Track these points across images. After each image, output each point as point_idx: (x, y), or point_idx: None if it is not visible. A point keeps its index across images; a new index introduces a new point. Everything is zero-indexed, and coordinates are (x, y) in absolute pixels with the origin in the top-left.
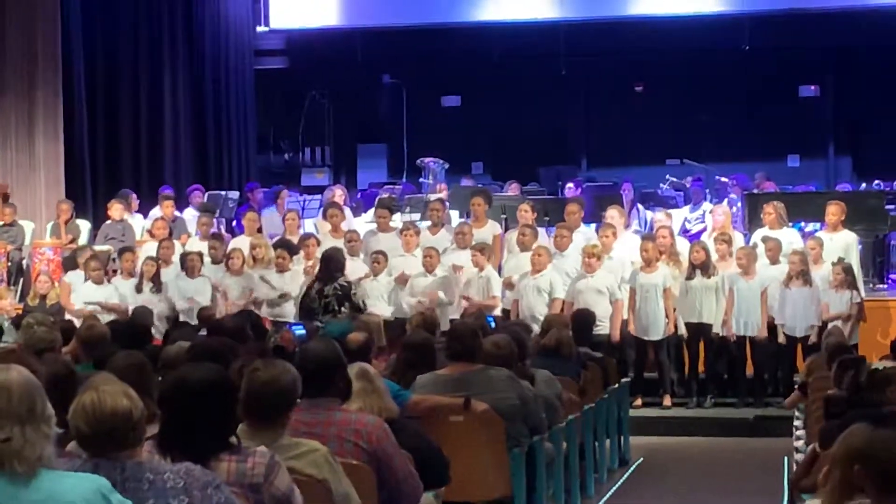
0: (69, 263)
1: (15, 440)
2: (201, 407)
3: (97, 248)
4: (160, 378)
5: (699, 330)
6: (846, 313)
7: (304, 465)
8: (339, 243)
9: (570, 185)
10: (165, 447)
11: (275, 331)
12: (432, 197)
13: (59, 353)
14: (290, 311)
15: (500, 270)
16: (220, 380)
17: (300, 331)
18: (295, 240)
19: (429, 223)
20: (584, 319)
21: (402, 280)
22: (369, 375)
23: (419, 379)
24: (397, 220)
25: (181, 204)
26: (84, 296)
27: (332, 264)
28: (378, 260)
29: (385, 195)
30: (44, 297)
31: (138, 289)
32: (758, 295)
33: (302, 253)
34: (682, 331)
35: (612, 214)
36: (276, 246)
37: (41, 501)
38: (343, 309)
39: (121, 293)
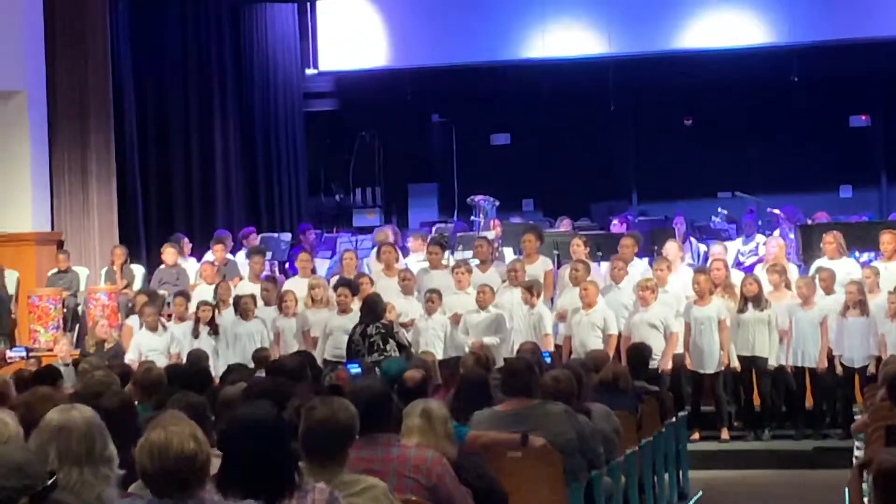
0: (130, 309)
1: (73, 481)
2: (259, 446)
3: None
4: (214, 418)
5: (752, 363)
6: None
7: (363, 501)
8: (393, 282)
9: (615, 221)
10: (226, 487)
11: (330, 370)
12: (483, 234)
13: None
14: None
15: (551, 306)
16: (275, 419)
17: (355, 369)
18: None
19: (477, 261)
20: (639, 353)
21: (456, 320)
22: (431, 416)
23: (476, 415)
24: (448, 257)
25: (235, 247)
26: (141, 343)
27: (372, 309)
28: (432, 299)
29: (436, 233)
30: (101, 343)
31: (195, 333)
32: (816, 325)
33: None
34: (735, 363)
35: (670, 247)
36: (337, 286)
37: None
38: (388, 347)
39: (177, 339)
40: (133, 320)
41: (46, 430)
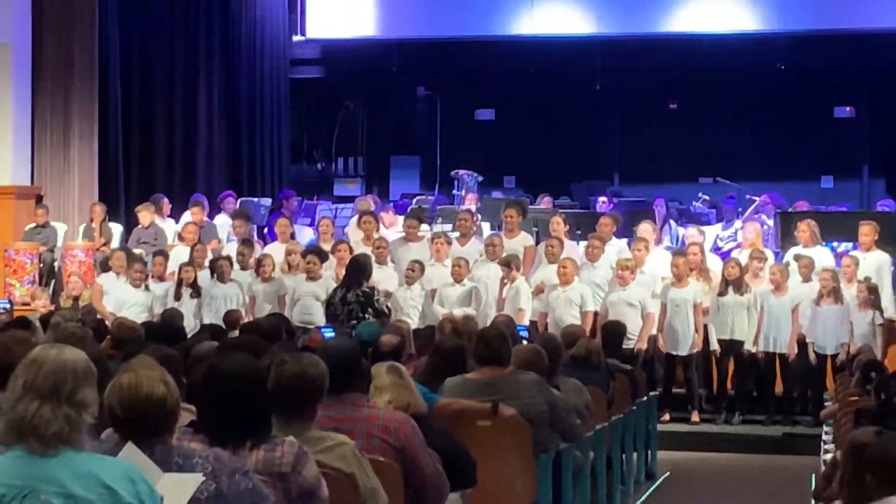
0: (103, 265)
1: (31, 413)
2: (233, 395)
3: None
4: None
5: (730, 346)
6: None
7: (331, 458)
8: (369, 251)
9: (603, 199)
10: (198, 435)
11: (303, 332)
12: (462, 207)
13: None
14: (318, 315)
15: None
16: (252, 369)
17: (329, 333)
18: (328, 247)
19: (457, 234)
20: (614, 331)
21: (431, 295)
22: (400, 371)
23: (448, 382)
24: (425, 230)
25: (213, 210)
26: (121, 297)
27: (357, 270)
28: (413, 268)
29: (415, 206)
30: (76, 299)
31: (177, 295)
32: (788, 311)
33: (334, 259)
34: (715, 346)
35: (646, 229)
36: (306, 252)
37: (64, 478)
38: (367, 316)
39: (157, 297)
40: (104, 278)
41: (24, 363)
